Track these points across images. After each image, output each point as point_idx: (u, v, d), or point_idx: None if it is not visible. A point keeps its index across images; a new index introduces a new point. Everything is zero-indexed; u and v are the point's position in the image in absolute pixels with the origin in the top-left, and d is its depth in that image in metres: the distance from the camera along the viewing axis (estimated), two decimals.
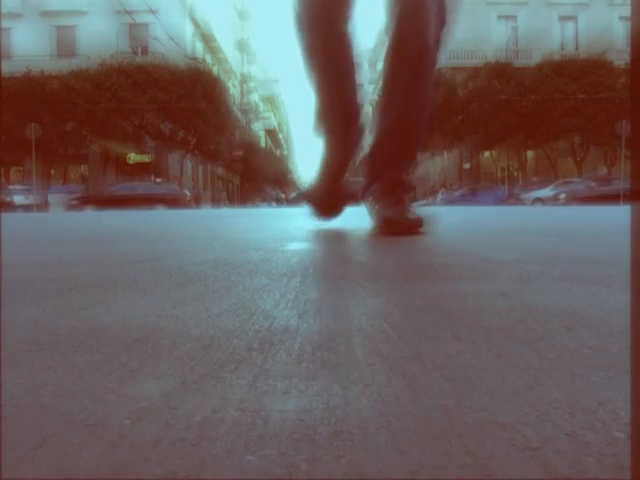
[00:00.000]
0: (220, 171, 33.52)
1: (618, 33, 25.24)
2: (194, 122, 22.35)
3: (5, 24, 23.77)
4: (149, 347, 0.53)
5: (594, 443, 0.31)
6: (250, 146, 33.99)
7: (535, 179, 24.18)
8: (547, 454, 0.30)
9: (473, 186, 24.03)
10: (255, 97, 44.66)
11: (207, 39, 30.35)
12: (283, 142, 57.12)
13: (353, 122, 2.35)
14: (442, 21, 2.06)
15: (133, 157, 25.24)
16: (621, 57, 20.60)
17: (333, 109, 2.35)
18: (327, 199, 2.50)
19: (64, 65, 22.48)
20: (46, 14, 25.91)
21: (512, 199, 20.13)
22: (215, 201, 28.47)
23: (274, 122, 50.96)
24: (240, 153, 31.01)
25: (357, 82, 2.31)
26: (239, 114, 33.18)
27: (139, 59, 23.64)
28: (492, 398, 0.38)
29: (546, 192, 19.41)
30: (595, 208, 6.92)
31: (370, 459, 0.30)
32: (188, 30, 26.76)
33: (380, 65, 2.25)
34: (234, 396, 0.39)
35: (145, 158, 25.14)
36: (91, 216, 7.16)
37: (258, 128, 44.49)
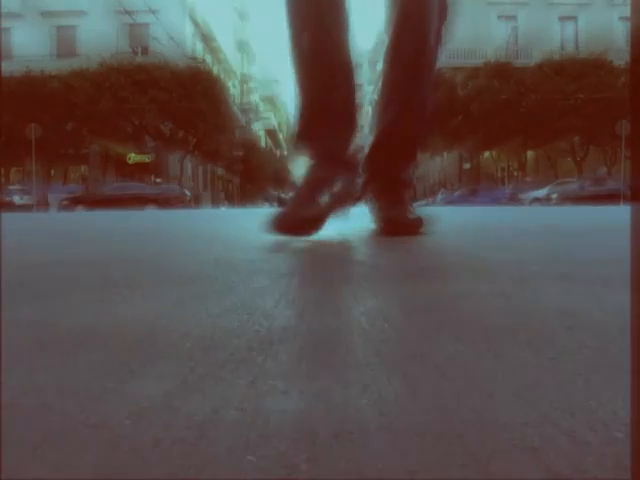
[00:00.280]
0: (220, 171, 33.51)
1: (618, 33, 25.24)
2: (194, 122, 22.35)
3: (5, 24, 23.77)
4: (149, 347, 0.53)
5: (594, 443, 0.31)
6: (250, 146, 34.01)
7: (529, 179, 24.22)
8: (547, 454, 0.30)
9: (472, 186, 24.05)
10: (255, 97, 44.68)
11: (207, 39, 30.36)
12: (283, 142, 57.12)
13: (345, 130, 1.99)
14: (443, 17, 2.03)
15: (133, 157, 25.25)
16: (621, 57, 20.59)
17: (322, 111, 1.95)
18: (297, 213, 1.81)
19: (64, 65, 22.48)
20: (46, 14, 25.92)
21: (508, 199, 20.19)
22: (215, 201, 28.47)
23: (274, 122, 50.97)
24: (240, 153, 31.03)
25: (354, 86, 2.08)
26: (239, 114, 33.18)
27: (139, 59, 23.64)
28: (492, 398, 0.38)
29: (545, 192, 19.52)
30: (595, 208, 6.91)
31: (370, 459, 0.30)
32: (188, 30, 26.77)
33: (380, 65, 2.21)
34: (234, 396, 0.39)
35: (145, 158, 25.14)
36: (88, 216, 7.16)
37: (258, 128, 44.53)
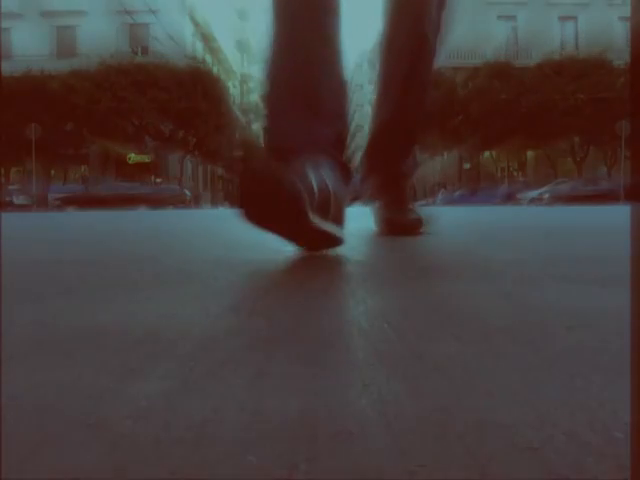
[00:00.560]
0: (220, 171, 33.52)
1: (618, 33, 25.25)
2: (194, 122, 22.37)
3: (5, 24, 23.77)
4: (149, 347, 0.53)
5: (594, 443, 0.31)
6: (250, 146, 33.96)
7: (521, 179, 24.23)
8: (547, 454, 0.30)
9: (472, 187, 24.07)
10: (255, 97, 44.66)
11: (207, 39, 30.37)
12: None
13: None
14: (443, 4, 1.92)
15: (133, 157, 25.26)
16: (621, 57, 20.60)
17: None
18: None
19: (64, 65, 22.50)
20: (46, 14, 25.93)
21: (502, 200, 20.26)
22: (215, 201, 28.46)
23: None
24: (240, 153, 31.01)
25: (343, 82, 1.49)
26: (239, 114, 33.18)
27: (139, 59, 23.65)
28: (492, 398, 0.38)
29: (537, 193, 19.63)
30: (595, 208, 6.92)
31: (370, 459, 0.30)
32: (188, 30, 26.77)
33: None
34: (234, 396, 0.39)
35: (145, 158, 25.15)
36: (85, 216, 7.16)
37: (258, 128, 44.51)
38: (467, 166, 27.24)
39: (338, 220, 1.27)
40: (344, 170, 1.39)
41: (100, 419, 0.35)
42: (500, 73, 22.81)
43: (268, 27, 1.37)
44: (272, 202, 1.03)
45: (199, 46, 28.99)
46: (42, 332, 0.60)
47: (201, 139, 23.52)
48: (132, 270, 1.15)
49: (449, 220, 3.72)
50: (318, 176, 1.15)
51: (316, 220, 1.11)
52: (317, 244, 1.30)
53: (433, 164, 29.52)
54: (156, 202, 18.24)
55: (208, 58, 29.75)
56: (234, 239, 2.15)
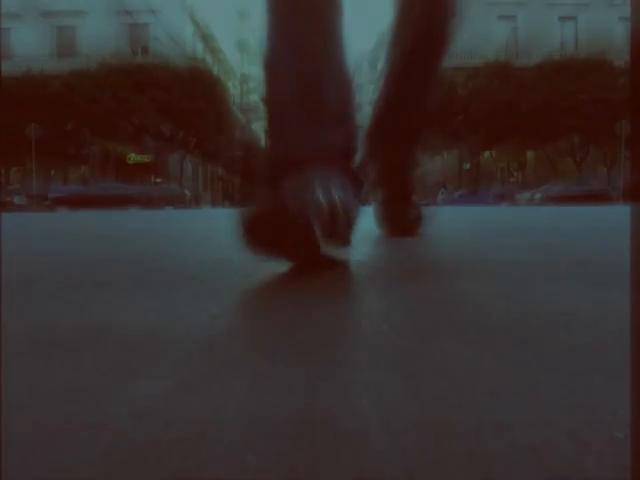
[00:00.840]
0: (220, 171, 33.53)
1: (618, 33, 25.26)
2: (194, 122, 22.38)
3: (5, 24, 23.78)
4: (149, 347, 0.53)
5: (594, 443, 0.31)
6: (250, 146, 34.01)
7: (513, 179, 24.25)
8: (547, 454, 0.30)
9: (472, 186, 24.09)
10: (255, 97, 44.65)
11: (207, 39, 30.37)
12: None
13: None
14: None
15: (133, 157, 25.26)
16: (621, 57, 20.61)
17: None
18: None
19: (64, 65, 22.51)
20: (46, 14, 25.93)
21: (495, 200, 20.32)
22: (215, 201, 28.46)
23: None
24: (240, 153, 31.04)
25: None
26: (239, 114, 33.19)
27: (139, 59, 23.65)
28: (492, 398, 0.38)
29: (529, 193, 19.74)
30: (595, 208, 6.91)
31: (370, 459, 0.30)
32: (188, 30, 26.77)
33: (380, 66, 2.11)
34: (234, 396, 0.39)
35: (145, 158, 25.15)
36: (84, 216, 7.16)
37: (258, 128, 44.51)
38: (467, 166, 27.24)
39: (345, 239, 1.22)
40: (354, 180, 1.32)
41: (100, 419, 0.35)
42: (500, 73, 22.83)
43: (265, 23, 1.25)
44: (282, 239, 0.99)
45: (199, 46, 29.00)
46: (42, 332, 0.60)
47: (201, 139, 23.53)
48: (132, 270, 1.15)
49: (449, 220, 3.73)
50: (327, 193, 1.08)
51: (326, 249, 1.06)
52: (323, 269, 1.27)
53: (433, 164, 29.53)
54: (156, 202, 18.26)
55: (208, 58, 29.76)
56: (234, 239, 2.14)
